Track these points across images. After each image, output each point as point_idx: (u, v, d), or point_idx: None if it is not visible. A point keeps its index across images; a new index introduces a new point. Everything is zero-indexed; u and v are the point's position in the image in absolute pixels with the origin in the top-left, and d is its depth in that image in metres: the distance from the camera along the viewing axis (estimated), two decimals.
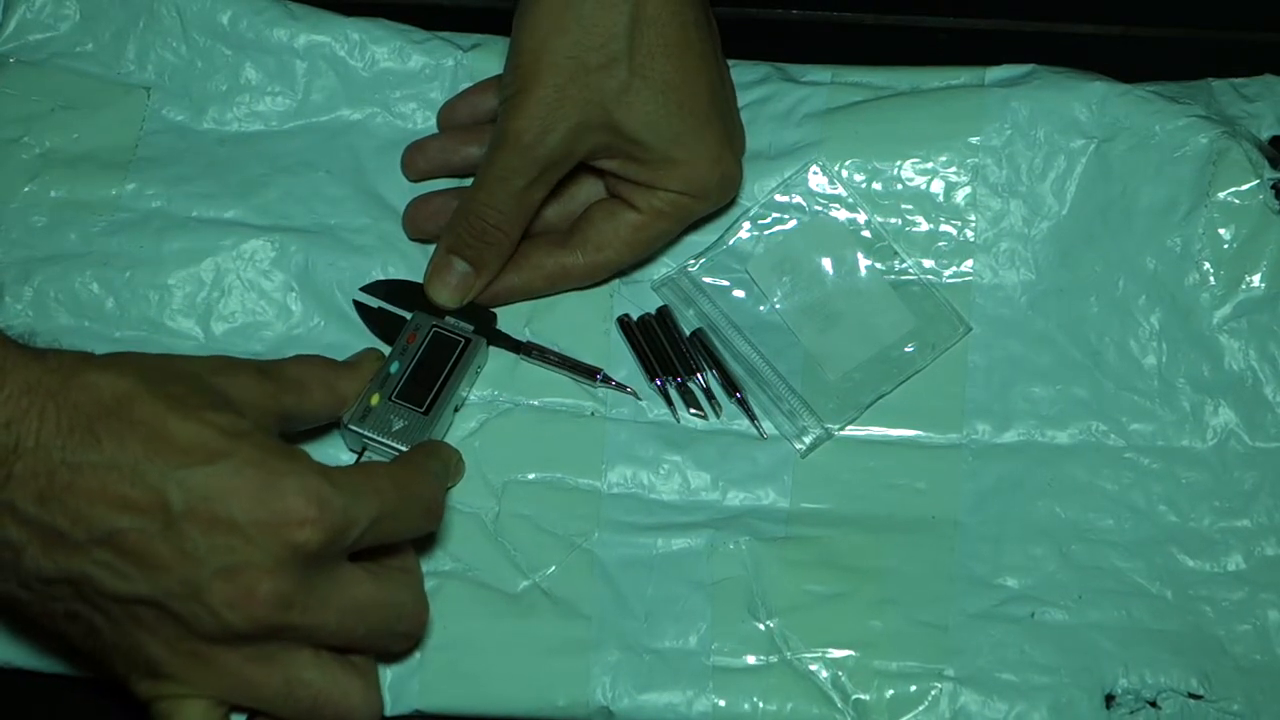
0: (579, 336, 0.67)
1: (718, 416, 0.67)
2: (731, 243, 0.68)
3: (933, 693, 0.61)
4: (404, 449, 0.63)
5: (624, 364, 0.67)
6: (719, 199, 0.66)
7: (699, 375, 0.67)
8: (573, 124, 0.62)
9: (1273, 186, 0.65)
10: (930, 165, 0.68)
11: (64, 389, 0.51)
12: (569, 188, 0.67)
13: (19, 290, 0.66)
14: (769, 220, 0.68)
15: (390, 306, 0.67)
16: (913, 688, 0.61)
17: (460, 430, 0.66)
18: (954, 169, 0.68)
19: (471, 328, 0.66)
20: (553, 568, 0.64)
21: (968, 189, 0.68)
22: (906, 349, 0.67)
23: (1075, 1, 0.76)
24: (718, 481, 0.66)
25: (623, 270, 0.68)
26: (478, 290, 0.66)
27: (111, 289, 0.66)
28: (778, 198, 0.68)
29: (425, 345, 0.65)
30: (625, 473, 0.66)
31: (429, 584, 0.63)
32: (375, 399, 0.63)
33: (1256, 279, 0.66)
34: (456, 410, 0.66)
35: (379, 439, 0.63)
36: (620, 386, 0.66)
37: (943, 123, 0.68)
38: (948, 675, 0.62)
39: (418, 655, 0.62)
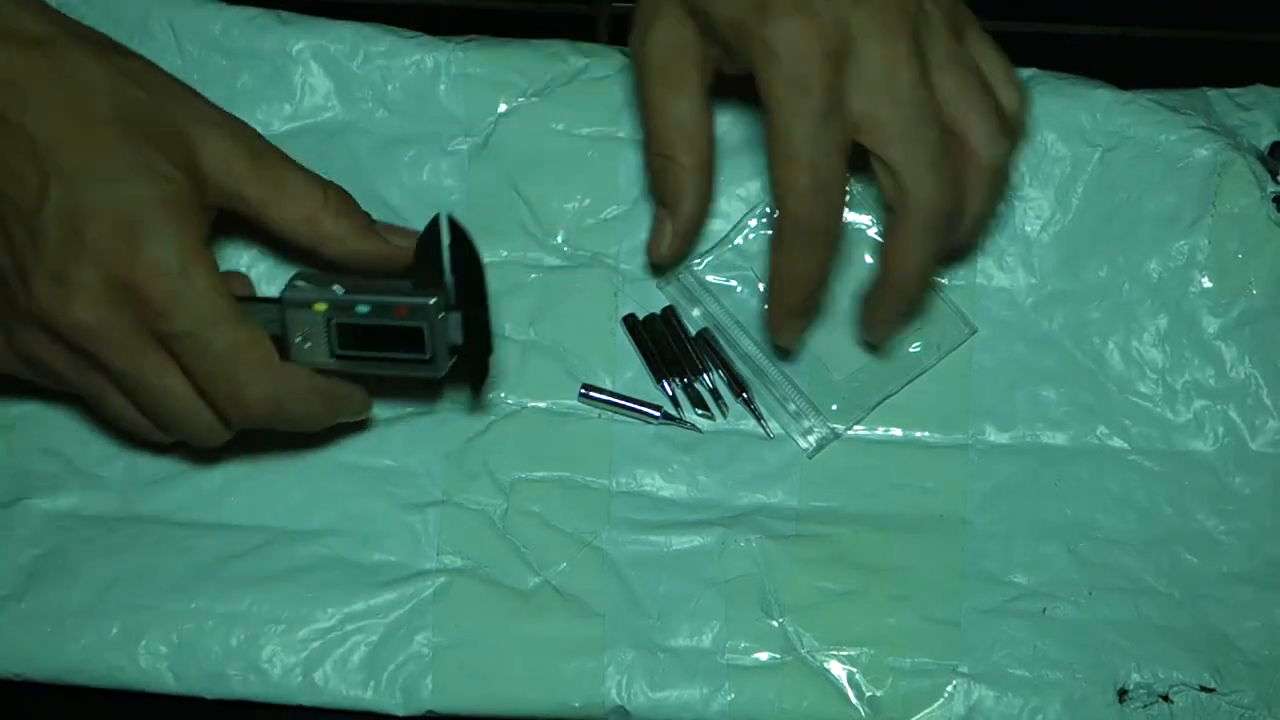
0: (584, 337, 0.67)
1: (724, 417, 0.67)
2: (737, 241, 0.68)
3: (947, 689, 0.62)
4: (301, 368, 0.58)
5: (630, 364, 0.67)
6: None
7: (705, 375, 0.67)
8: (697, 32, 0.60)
9: (1274, 199, 0.67)
10: None
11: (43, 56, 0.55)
12: None
13: None
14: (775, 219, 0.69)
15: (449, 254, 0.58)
16: (927, 684, 0.62)
17: (466, 431, 0.65)
18: None
19: (454, 354, 0.59)
20: (563, 565, 0.64)
21: None
22: (912, 349, 0.67)
23: (1074, 2, 0.76)
24: (726, 481, 0.66)
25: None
26: (674, 232, 0.64)
27: None
28: None
29: (390, 324, 0.58)
30: (634, 474, 0.65)
31: (439, 581, 0.62)
32: (322, 306, 0.58)
33: (1258, 288, 0.67)
34: (381, 380, 0.62)
35: (293, 338, 0.58)
36: (682, 422, 0.66)
37: None
38: (961, 671, 0.62)
39: (429, 654, 0.62)
